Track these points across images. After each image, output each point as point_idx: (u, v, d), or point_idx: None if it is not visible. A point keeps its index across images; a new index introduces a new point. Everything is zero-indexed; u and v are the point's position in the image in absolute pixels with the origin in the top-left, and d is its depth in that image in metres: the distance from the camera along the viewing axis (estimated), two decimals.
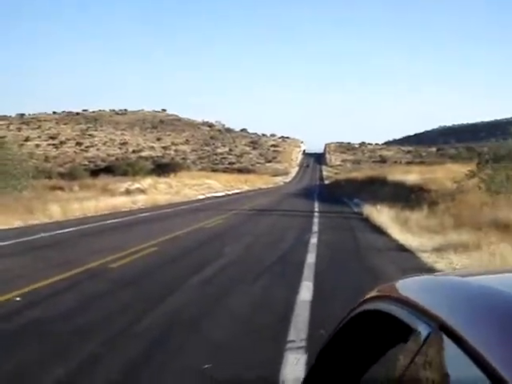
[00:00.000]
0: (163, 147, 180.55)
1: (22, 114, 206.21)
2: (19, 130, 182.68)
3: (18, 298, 8.67)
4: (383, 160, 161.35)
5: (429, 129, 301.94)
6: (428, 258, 13.76)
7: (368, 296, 1.51)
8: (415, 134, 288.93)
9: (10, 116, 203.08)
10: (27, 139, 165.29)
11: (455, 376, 0.95)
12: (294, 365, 5.48)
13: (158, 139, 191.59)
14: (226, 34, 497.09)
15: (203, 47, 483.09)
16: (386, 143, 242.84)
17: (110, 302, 8.78)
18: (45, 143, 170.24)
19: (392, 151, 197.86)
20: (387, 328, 1.39)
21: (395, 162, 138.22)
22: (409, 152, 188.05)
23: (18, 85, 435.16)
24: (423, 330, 1.10)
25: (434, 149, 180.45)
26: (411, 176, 37.58)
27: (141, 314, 7.94)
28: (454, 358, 0.95)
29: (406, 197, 28.37)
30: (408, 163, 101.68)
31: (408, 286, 1.39)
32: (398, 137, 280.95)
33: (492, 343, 0.89)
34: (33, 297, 8.87)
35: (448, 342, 0.98)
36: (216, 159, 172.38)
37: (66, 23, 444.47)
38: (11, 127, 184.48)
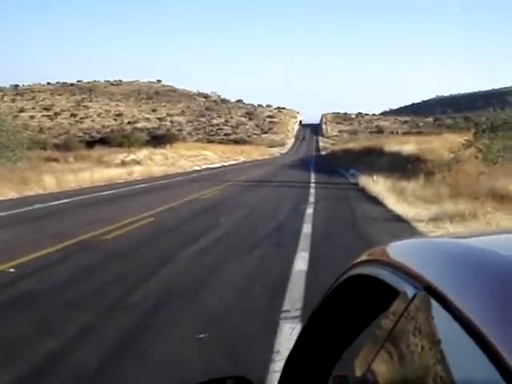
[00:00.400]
0: (158, 118, 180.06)
1: (16, 85, 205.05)
2: (13, 101, 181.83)
3: (11, 269, 8.62)
4: (380, 130, 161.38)
5: (426, 99, 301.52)
6: (424, 228, 13.75)
7: (356, 260, 1.47)
8: (412, 104, 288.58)
9: (4, 87, 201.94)
10: (21, 110, 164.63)
11: (440, 337, 0.93)
12: (289, 334, 5.45)
13: (154, 110, 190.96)
14: (221, 3, 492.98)
15: (197, 18, 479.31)
16: (382, 113, 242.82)
17: (104, 273, 8.73)
18: (39, 114, 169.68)
19: (389, 121, 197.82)
20: (376, 292, 1.36)
21: (392, 132, 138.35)
22: (406, 122, 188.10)
23: (11, 56, 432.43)
24: (409, 291, 1.08)
25: (431, 119, 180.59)
26: (408, 146, 37.52)
27: (136, 284, 7.90)
28: (439, 320, 0.94)
29: (403, 167, 28.35)
30: (405, 133, 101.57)
31: (397, 249, 1.36)
32: (394, 107, 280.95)
33: (477, 304, 0.87)
34: (27, 268, 8.82)
35: (434, 304, 0.95)
36: (212, 130, 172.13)
37: None
38: (5, 98, 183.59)
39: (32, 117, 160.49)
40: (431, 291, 0.97)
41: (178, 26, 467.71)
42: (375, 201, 20.48)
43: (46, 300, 7.09)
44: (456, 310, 0.87)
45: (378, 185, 23.92)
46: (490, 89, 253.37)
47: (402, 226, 14.21)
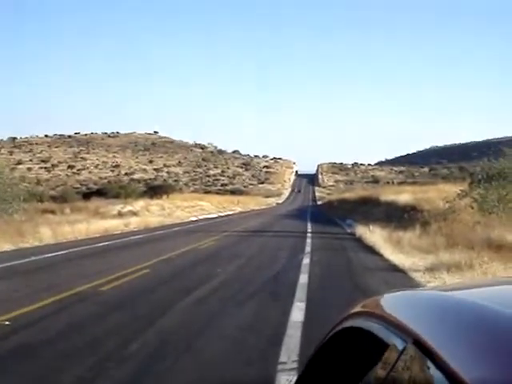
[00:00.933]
0: (155, 169, 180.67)
1: (14, 138, 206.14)
2: (11, 153, 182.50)
3: (7, 322, 8.56)
4: (376, 180, 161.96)
5: (421, 149, 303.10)
6: (421, 278, 13.72)
7: (348, 313, 1.50)
8: (407, 154, 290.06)
9: (2, 139, 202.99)
10: (19, 162, 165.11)
11: None
12: None
13: (151, 161, 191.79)
14: (217, 53, 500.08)
15: (193, 70, 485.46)
16: (378, 163, 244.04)
17: (99, 324, 8.68)
18: (37, 166, 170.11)
19: (384, 171, 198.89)
20: (368, 344, 1.37)
21: (388, 182, 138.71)
22: (401, 172, 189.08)
23: (9, 108, 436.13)
24: (398, 344, 1.10)
25: (426, 169, 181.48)
26: (404, 196, 37.68)
27: (132, 335, 7.84)
28: (428, 372, 0.94)
29: (399, 217, 28.40)
30: (400, 183, 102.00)
31: (387, 302, 1.38)
32: (390, 157, 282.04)
33: (463, 357, 0.88)
34: (22, 320, 8.76)
35: (422, 356, 0.97)
36: (208, 181, 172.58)
37: (59, 44, 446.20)
38: (2, 151, 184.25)
39: (29, 169, 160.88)
40: (419, 344, 0.99)
41: (175, 77, 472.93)
42: (372, 250, 20.47)
43: (41, 352, 7.02)
44: (442, 363, 0.89)
45: (374, 235, 23.93)
46: (484, 139, 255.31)
47: (399, 276, 14.18)
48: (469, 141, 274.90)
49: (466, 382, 0.81)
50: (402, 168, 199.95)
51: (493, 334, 0.92)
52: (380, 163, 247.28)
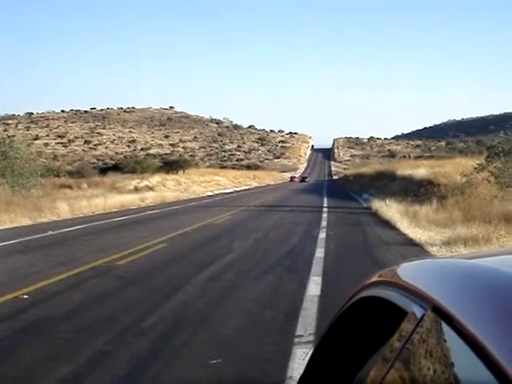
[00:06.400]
0: (171, 144, 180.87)
1: (31, 113, 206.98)
2: (28, 128, 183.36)
3: (25, 296, 8.65)
4: (392, 154, 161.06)
5: (438, 122, 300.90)
6: (437, 252, 13.68)
7: (365, 283, 1.49)
8: (424, 128, 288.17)
9: (19, 115, 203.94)
10: (36, 138, 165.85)
11: (448, 356, 0.94)
12: (302, 360, 5.42)
13: (166, 136, 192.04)
14: (234, 30, 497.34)
15: (209, 44, 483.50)
16: (394, 138, 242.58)
17: (117, 298, 8.74)
18: (53, 142, 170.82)
19: (401, 145, 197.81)
20: (386, 313, 1.36)
21: (404, 156, 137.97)
22: (418, 146, 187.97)
23: (26, 84, 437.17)
24: (417, 312, 1.10)
25: (443, 143, 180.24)
26: (420, 170, 37.43)
27: (149, 309, 7.89)
28: (447, 339, 0.95)
29: (415, 191, 28.30)
30: (417, 157, 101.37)
31: (405, 270, 1.37)
32: (406, 131, 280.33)
33: (484, 323, 0.88)
34: (40, 294, 8.84)
35: (441, 323, 0.97)
36: (224, 156, 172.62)
37: (73, 22, 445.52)
38: (19, 126, 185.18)
39: (46, 144, 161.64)
40: (438, 311, 0.99)
41: (190, 52, 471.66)
42: (388, 225, 20.41)
43: (59, 325, 7.09)
44: (462, 329, 0.88)
45: (390, 209, 23.85)
46: (502, 112, 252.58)
47: (415, 250, 14.14)
48: (486, 114, 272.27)
49: (487, 346, 0.80)
50: (419, 142, 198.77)
51: None
52: (396, 137, 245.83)
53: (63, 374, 5.33)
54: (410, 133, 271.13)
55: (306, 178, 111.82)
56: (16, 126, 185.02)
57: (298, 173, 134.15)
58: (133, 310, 7.95)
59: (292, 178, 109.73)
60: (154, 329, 6.98)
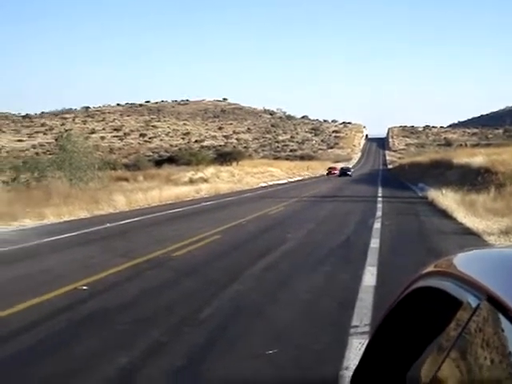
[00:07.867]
0: (225, 136, 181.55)
1: (87, 107, 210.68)
2: (84, 122, 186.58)
3: (84, 287, 8.84)
4: (448, 143, 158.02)
5: (495, 109, 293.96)
6: (495, 241, 13.42)
7: (420, 273, 1.48)
8: (481, 116, 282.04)
9: (76, 109, 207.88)
10: (92, 131, 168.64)
11: (505, 346, 0.93)
12: (358, 350, 5.41)
13: (220, 128, 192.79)
14: (284, 23, 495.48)
15: (263, 35, 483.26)
16: (450, 126, 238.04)
17: (173, 289, 8.87)
18: (109, 135, 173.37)
19: (457, 134, 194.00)
20: (441, 303, 1.36)
21: (460, 144, 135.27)
22: (474, 134, 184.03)
23: (82, 78, 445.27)
24: (472, 302, 1.10)
25: (500, 130, 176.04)
26: (477, 158, 36.72)
27: (206, 300, 7.97)
28: (502, 329, 0.94)
29: (472, 180, 27.80)
30: (474, 146, 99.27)
31: (460, 260, 1.36)
32: (462, 119, 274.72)
33: None
34: (99, 286, 9.03)
35: (496, 313, 0.97)
36: (278, 147, 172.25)
37: (127, 15, 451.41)
38: (77, 120, 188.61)
39: (103, 138, 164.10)
40: (493, 301, 0.98)
41: (243, 45, 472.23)
42: (444, 214, 20.12)
43: (118, 316, 7.22)
44: None
45: (447, 198, 23.50)
46: None
47: (472, 240, 13.90)
48: None
49: None
50: (476, 130, 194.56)
51: None
52: (452, 125, 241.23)
53: (122, 364, 5.44)
54: (466, 120, 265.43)
55: (350, 170, 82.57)
56: (73, 119, 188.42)
57: (345, 164, 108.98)
58: (189, 301, 8.04)
59: (330, 171, 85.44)
60: (210, 319, 7.06)
